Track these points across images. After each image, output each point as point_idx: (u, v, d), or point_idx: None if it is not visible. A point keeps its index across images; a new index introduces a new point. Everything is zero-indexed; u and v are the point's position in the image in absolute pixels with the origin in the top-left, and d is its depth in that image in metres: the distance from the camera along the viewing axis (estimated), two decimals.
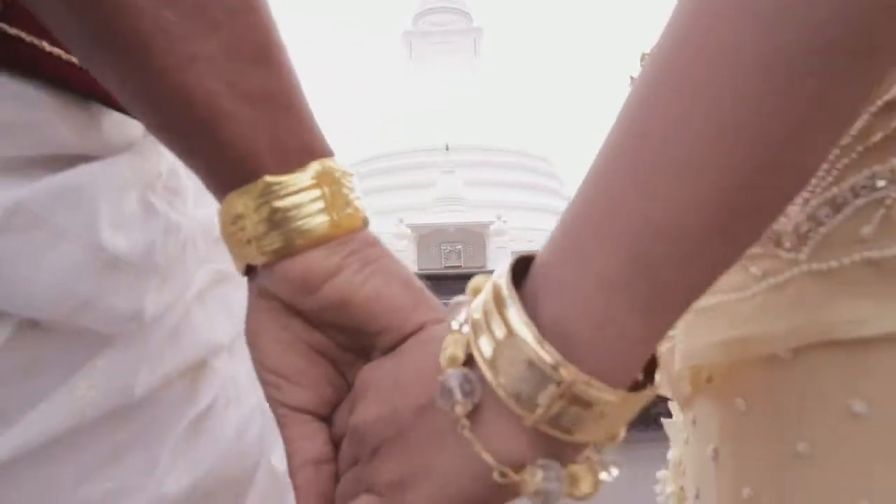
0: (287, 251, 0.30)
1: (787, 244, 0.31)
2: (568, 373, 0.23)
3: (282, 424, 0.32)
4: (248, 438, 0.43)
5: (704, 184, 0.23)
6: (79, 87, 0.36)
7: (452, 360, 0.26)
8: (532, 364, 0.24)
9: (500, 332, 0.25)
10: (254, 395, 0.43)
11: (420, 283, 0.32)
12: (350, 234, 0.31)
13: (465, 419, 0.25)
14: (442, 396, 0.26)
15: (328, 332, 0.32)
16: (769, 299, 0.32)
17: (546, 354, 0.24)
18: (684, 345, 0.36)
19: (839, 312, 0.29)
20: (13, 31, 0.33)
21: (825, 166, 0.30)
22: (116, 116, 0.39)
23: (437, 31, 28.00)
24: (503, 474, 0.25)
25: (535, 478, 0.25)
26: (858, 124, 0.29)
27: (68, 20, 0.30)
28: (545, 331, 0.24)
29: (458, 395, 0.25)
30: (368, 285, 0.31)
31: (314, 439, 0.32)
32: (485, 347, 0.25)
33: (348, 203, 0.31)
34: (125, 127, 0.39)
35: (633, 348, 0.25)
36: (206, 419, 0.41)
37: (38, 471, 0.34)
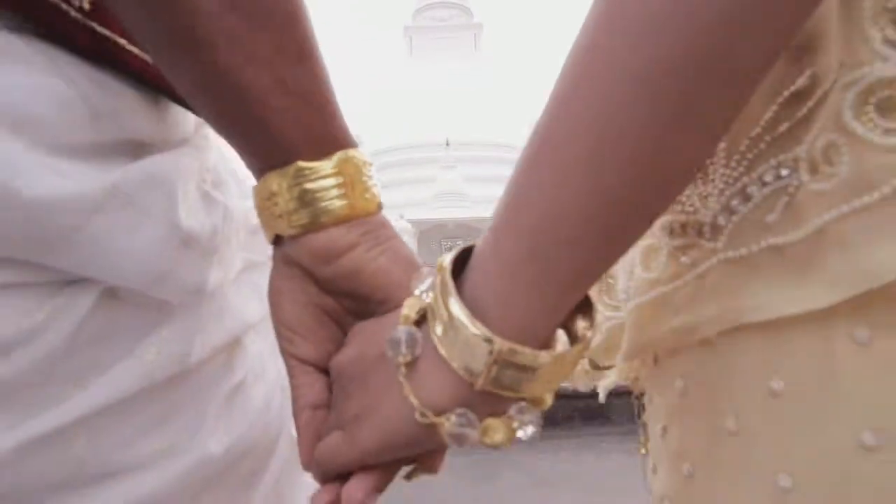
0: (312, 227, 0.36)
1: (707, 234, 0.32)
2: (496, 343, 0.28)
3: (290, 374, 0.38)
4: (272, 410, 0.48)
5: (587, 184, 0.27)
6: (150, 82, 0.40)
7: (405, 319, 0.32)
8: (468, 339, 0.29)
9: (444, 315, 0.30)
10: (274, 370, 0.48)
11: (422, 265, 0.37)
12: (366, 216, 0.37)
13: (404, 367, 0.31)
14: (391, 347, 0.31)
15: (338, 298, 0.37)
16: (696, 288, 0.33)
17: (476, 330, 0.29)
18: (630, 337, 0.37)
19: (749, 297, 0.30)
20: (100, 29, 0.38)
21: (737, 157, 0.31)
22: (178, 111, 0.43)
23: (437, 26, 27.91)
24: (423, 415, 0.30)
25: (449, 422, 0.30)
26: (767, 115, 0.30)
27: (147, 22, 0.35)
28: (473, 310, 0.29)
29: (403, 348, 0.31)
30: (377, 262, 0.36)
31: (314, 387, 0.37)
32: (437, 328, 0.30)
33: (366, 189, 0.37)
34: (184, 121, 0.44)
35: (538, 322, 0.29)
36: (239, 391, 0.46)
37: (106, 428, 0.38)
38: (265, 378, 0.48)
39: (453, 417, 0.30)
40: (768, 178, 0.30)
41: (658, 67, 0.24)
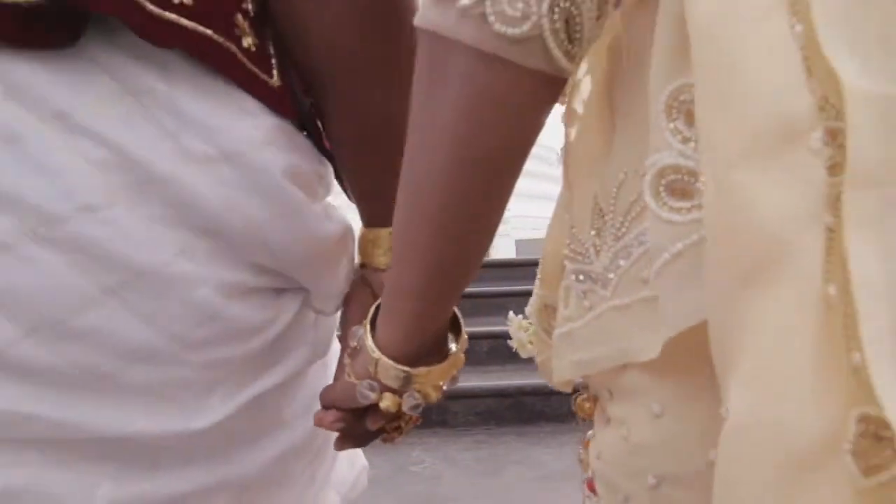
0: (388, 267, 0.52)
1: (600, 283, 0.37)
2: (374, 353, 0.47)
3: (342, 346, 0.56)
4: None
5: (404, 274, 0.43)
6: (325, 151, 0.58)
7: (363, 324, 0.50)
8: (365, 346, 0.48)
9: (366, 326, 0.49)
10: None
11: None
12: None
13: (351, 350, 0.52)
14: (351, 337, 0.52)
15: None
16: (593, 328, 0.38)
17: (369, 342, 0.48)
18: (555, 363, 0.43)
19: (629, 340, 0.35)
20: (319, 125, 0.58)
21: (620, 218, 0.36)
22: None
23: None
24: (349, 376, 0.51)
25: (360, 385, 0.49)
26: (637, 187, 0.35)
27: (357, 155, 0.58)
28: (373, 328, 0.48)
29: (355, 340, 0.51)
30: None
31: None
32: (366, 339, 0.49)
33: None
34: None
35: (401, 347, 0.47)
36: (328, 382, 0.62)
37: (272, 398, 0.54)
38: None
39: (364, 383, 0.49)
40: (644, 238, 0.35)
41: (431, 206, 0.39)
